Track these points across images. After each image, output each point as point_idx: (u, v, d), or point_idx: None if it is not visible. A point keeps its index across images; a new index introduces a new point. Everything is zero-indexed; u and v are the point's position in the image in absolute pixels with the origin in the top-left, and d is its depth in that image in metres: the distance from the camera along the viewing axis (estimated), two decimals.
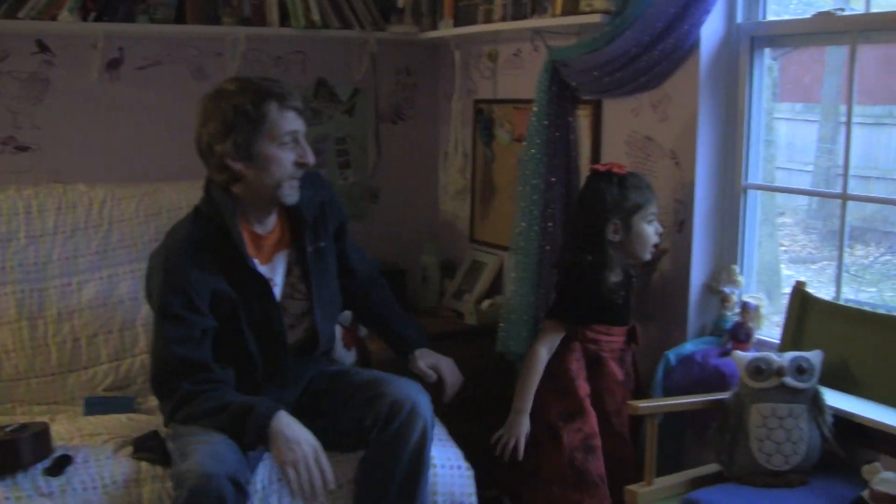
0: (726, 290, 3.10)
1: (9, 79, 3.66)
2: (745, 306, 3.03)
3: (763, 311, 3.07)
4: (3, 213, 3.32)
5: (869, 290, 5.25)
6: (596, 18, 3.14)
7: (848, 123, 2.85)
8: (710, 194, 3.13)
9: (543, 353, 3.02)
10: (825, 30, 2.89)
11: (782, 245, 5.68)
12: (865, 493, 2.37)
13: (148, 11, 3.66)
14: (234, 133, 2.60)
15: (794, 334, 2.89)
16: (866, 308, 2.80)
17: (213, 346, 2.68)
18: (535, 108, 3.39)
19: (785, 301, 3.00)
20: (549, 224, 3.37)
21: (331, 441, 2.67)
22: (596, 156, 3.49)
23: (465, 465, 2.90)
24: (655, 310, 3.25)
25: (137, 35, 3.77)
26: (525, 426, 3.02)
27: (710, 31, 3.03)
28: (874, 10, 2.77)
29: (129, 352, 3.36)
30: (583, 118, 3.51)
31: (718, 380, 2.88)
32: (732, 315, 3.09)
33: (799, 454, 2.61)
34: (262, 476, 2.69)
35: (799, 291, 2.90)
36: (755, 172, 3.14)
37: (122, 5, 3.63)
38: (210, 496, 2.35)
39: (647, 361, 3.14)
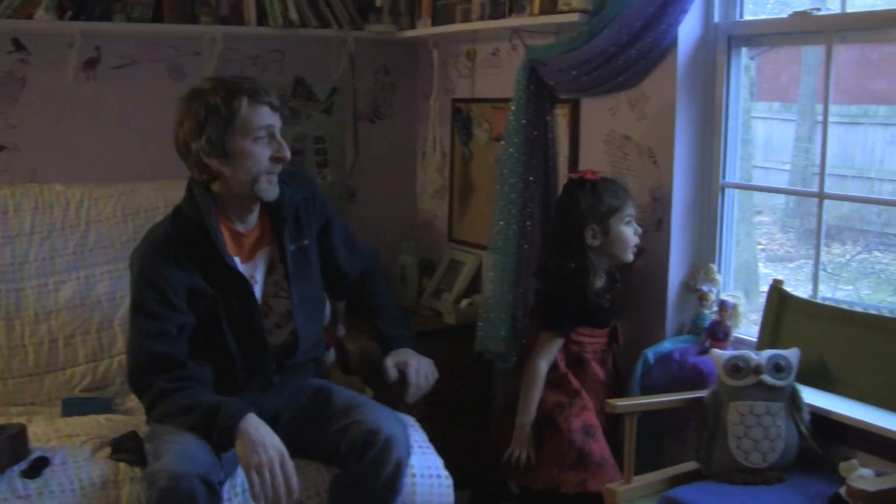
0: (704, 288, 3.11)
1: None
2: (723, 305, 3.04)
3: (741, 309, 3.07)
4: None
5: (846, 288, 5.29)
6: (574, 18, 3.15)
7: (824, 123, 2.86)
8: (687, 193, 3.14)
9: (543, 366, 3.03)
10: (801, 29, 2.90)
11: (760, 244, 5.72)
12: (842, 490, 2.38)
13: (125, 10, 3.63)
14: (207, 130, 2.61)
15: (772, 332, 2.90)
16: (843, 306, 2.82)
17: (194, 344, 2.67)
18: (513, 108, 3.39)
19: (762, 299, 3.02)
20: (528, 223, 3.37)
21: (303, 450, 2.67)
22: (574, 155, 3.49)
23: (444, 473, 2.80)
24: (634, 308, 3.25)
25: (114, 34, 3.74)
26: (531, 437, 3.05)
27: (688, 30, 3.04)
28: (850, 10, 2.79)
29: (107, 352, 3.33)
30: (561, 117, 3.52)
31: (696, 378, 2.89)
32: (710, 313, 3.10)
33: (776, 452, 2.62)
34: (244, 478, 2.65)
35: (776, 290, 2.92)
36: (733, 171, 3.15)
37: (99, 4, 3.60)
38: (181, 496, 2.33)
39: (626, 359, 3.15)
